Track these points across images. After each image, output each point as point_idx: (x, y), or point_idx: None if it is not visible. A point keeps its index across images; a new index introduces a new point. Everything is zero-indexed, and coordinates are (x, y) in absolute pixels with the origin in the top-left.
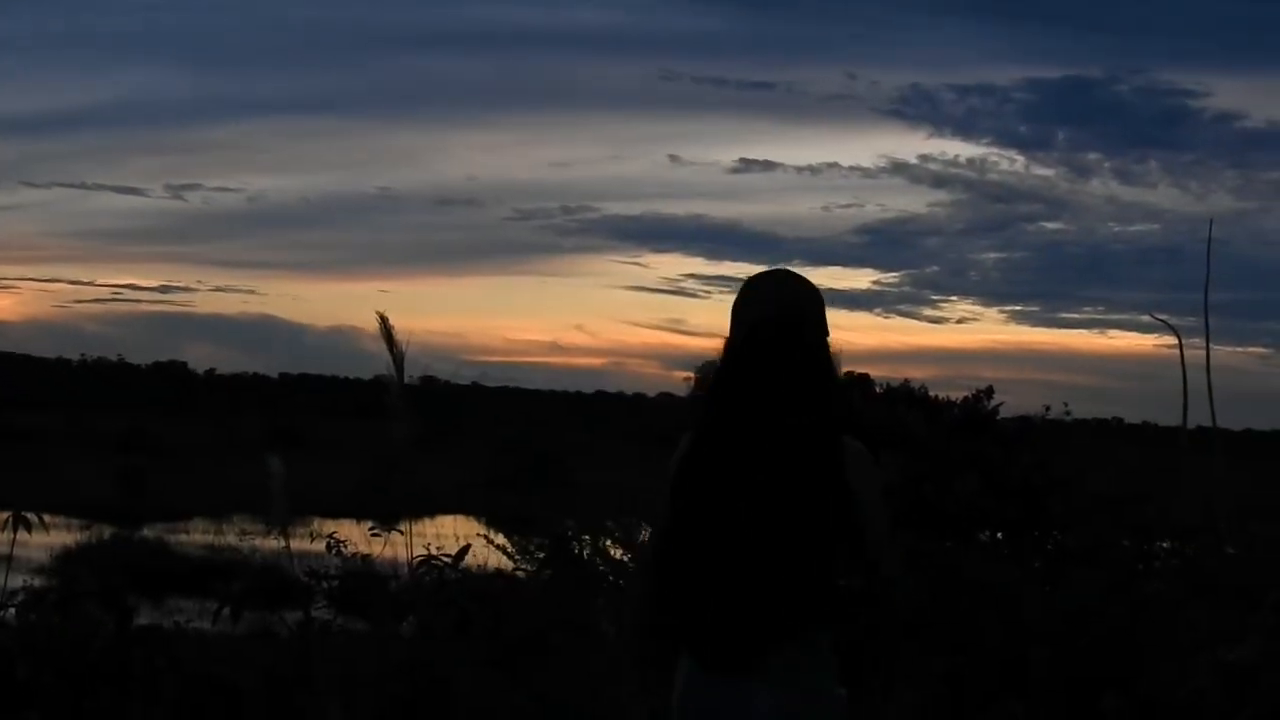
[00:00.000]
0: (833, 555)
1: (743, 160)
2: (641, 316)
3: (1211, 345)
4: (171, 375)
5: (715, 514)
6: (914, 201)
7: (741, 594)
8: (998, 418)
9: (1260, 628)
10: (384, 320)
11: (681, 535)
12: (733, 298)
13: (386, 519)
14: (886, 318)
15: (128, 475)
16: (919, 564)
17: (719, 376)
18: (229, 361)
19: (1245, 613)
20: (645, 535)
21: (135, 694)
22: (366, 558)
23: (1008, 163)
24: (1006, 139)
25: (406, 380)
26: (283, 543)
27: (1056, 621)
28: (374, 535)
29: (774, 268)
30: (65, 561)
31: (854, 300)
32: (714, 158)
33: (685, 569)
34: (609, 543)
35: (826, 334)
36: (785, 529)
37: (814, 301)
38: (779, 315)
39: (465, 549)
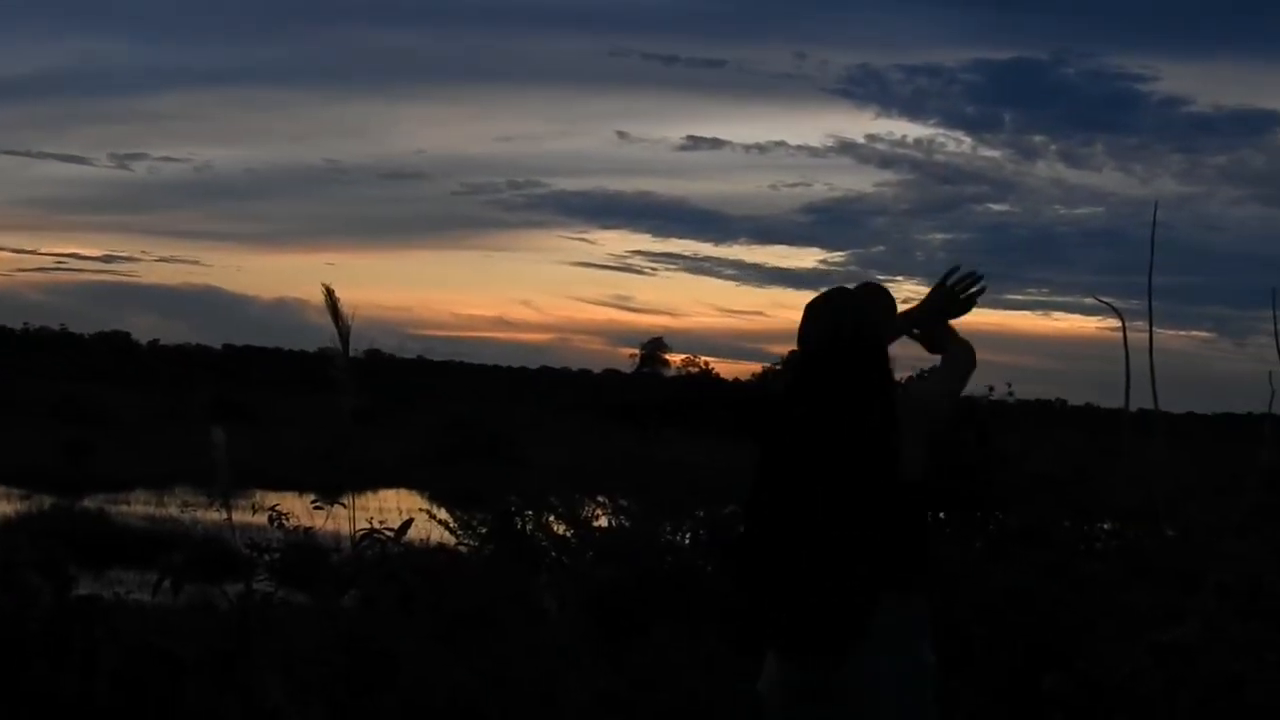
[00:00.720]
0: (894, 538)
1: (691, 138)
2: (588, 292)
3: (1154, 328)
4: (115, 345)
5: (784, 525)
6: (861, 181)
7: (816, 600)
8: None
9: (1199, 610)
10: (330, 292)
11: (755, 545)
12: (679, 273)
13: (330, 492)
14: None
15: (71, 445)
16: None
17: (785, 392)
18: (173, 332)
19: (1183, 595)
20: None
21: (73, 665)
22: (309, 531)
23: (954, 144)
24: (954, 120)
25: (352, 353)
26: (225, 515)
27: (997, 600)
28: (316, 508)
29: (834, 289)
30: (4, 531)
31: (800, 279)
32: (662, 135)
33: (761, 578)
34: (552, 518)
35: (881, 346)
36: (848, 533)
37: (867, 323)
38: (833, 342)
39: (408, 523)
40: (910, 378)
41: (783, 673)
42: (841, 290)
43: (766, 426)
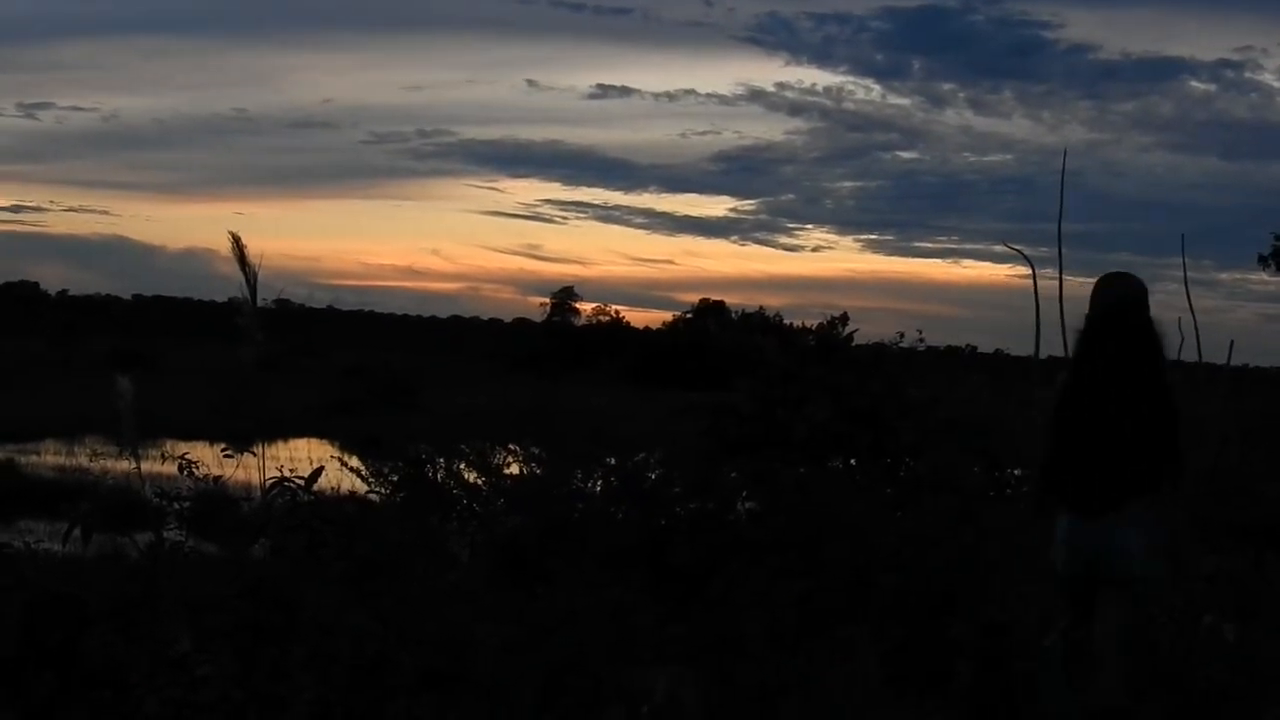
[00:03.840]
0: (1155, 451)
1: (600, 86)
2: (498, 241)
3: (1064, 275)
4: (22, 296)
5: (1090, 426)
6: (770, 129)
7: (1106, 474)
8: (852, 345)
9: None
10: (237, 240)
11: (1066, 440)
12: (589, 222)
13: (240, 441)
14: (742, 245)
15: None
16: (769, 488)
17: (1084, 338)
18: (82, 283)
19: None
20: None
21: None
22: (219, 479)
23: (864, 91)
24: (863, 68)
25: (261, 303)
26: (134, 464)
27: (905, 547)
28: (227, 457)
29: (1116, 272)
30: None
31: (710, 227)
32: (571, 83)
33: (1071, 462)
34: (463, 466)
35: (1150, 315)
36: (1131, 435)
37: (1144, 294)
38: (1122, 301)
39: (318, 471)
40: None
41: (1072, 533)
42: (1124, 273)
43: (1079, 357)
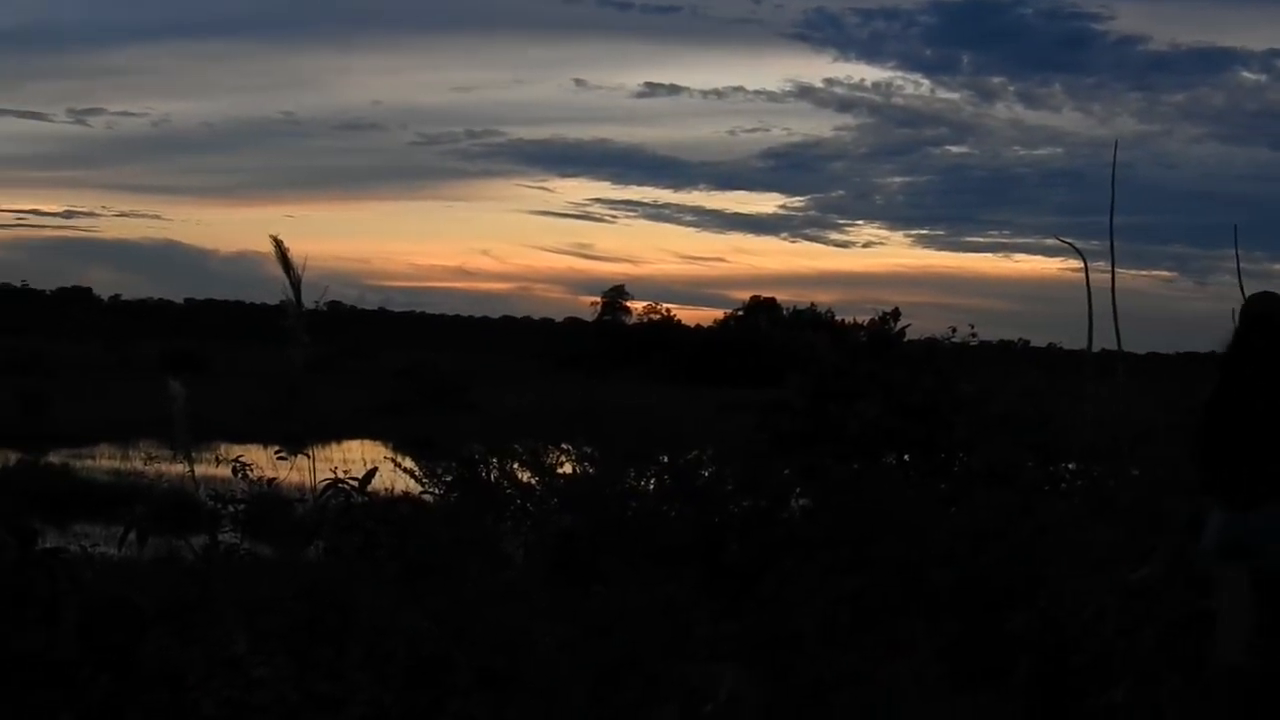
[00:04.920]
0: None
1: (648, 84)
2: (548, 241)
3: (1116, 268)
4: (76, 301)
5: (1238, 425)
6: (819, 125)
7: (1254, 469)
8: (904, 340)
9: (1166, 547)
10: (279, 244)
11: (1216, 438)
12: (638, 221)
13: (293, 443)
14: (793, 242)
15: (28, 398)
16: (821, 484)
17: (1233, 345)
18: (134, 287)
19: (1146, 533)
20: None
21: (35, 615)
22: (272, 482)
23: (913, 86)
24: (912, 62)
25: (312, 305)
26: (188, 467)
27: (959, 542)
28: (280, 459)
29: (1264, 291)
30: None
31: (760, 224)
32: (619, 81)
33: (1221, 459)
34: (517, 466)
35: None
36: (1273, 433)
37: None
38: (1267, 314)
39: (372, 472)
40: None
41: (1219, 531)
42: (1271, 291)
43: (1227, 362)
